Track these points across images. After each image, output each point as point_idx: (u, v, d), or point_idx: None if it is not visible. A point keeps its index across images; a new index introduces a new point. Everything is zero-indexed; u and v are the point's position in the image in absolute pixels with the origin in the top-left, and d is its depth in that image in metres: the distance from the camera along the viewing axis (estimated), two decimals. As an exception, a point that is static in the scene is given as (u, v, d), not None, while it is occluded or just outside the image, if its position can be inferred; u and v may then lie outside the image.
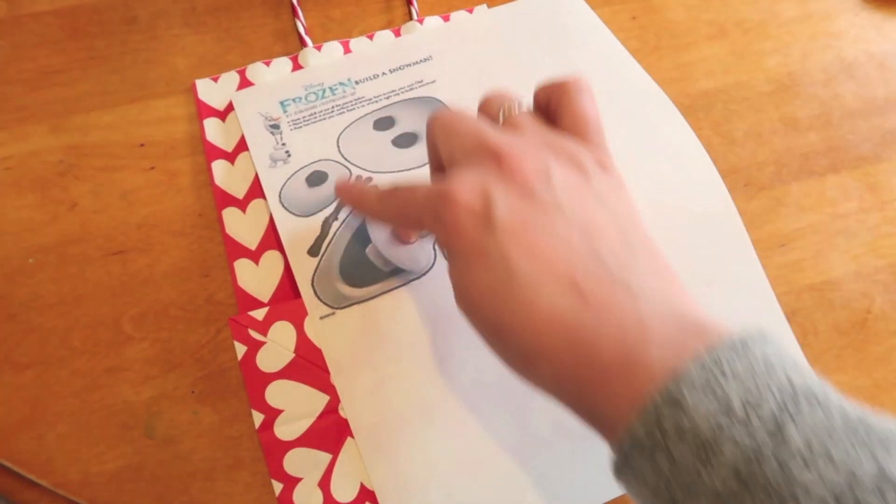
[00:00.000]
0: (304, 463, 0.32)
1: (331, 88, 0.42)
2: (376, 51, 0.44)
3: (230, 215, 0.38)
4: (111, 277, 0.37)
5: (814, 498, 0.18)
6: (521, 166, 0.25)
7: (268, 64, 0.42)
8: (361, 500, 0.32)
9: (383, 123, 0.41)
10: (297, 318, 0.35)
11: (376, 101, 0.42)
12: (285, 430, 0.33)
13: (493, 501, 0.32)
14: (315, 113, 0.41)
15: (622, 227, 0.25)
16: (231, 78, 0.42)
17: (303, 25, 0.44)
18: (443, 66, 0.43)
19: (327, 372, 0.34)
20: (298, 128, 0.41)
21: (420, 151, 0.40)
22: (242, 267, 0.37)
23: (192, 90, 0.42)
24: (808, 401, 0.20)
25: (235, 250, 0.37)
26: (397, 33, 0.44)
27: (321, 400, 0.33)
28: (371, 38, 0.44)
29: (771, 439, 0.19)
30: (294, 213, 0.38)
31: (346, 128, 0.41)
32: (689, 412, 0.20)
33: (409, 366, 0.34)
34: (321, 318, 0.35)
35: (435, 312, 0.35)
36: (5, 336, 0.35)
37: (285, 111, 0.41)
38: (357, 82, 0.42)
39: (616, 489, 0.31)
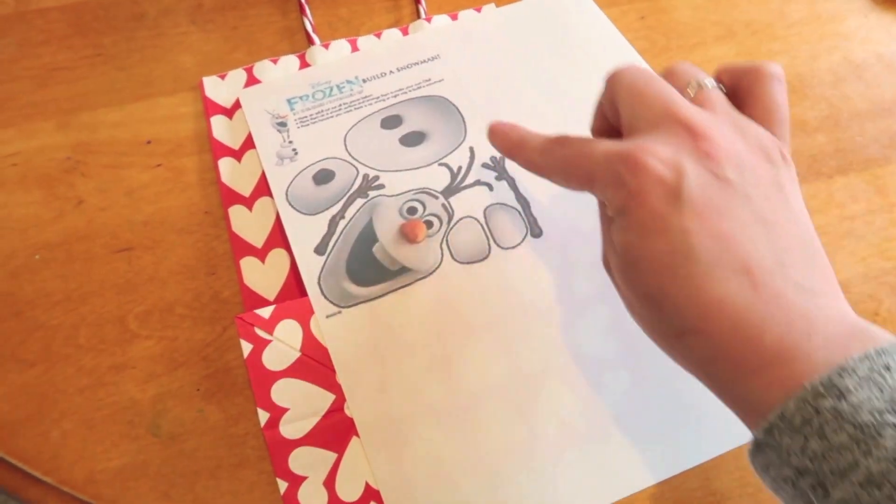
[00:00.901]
0: (309, 462, 0.32)
1: (338, 86, 0.42)
2: (384, 49, 0.44)
3: (236, 213, 0.38)
4: (117, 275, 0.37)
5: None
6: (716, 147, 0.25)
7: (275, 62, 0.42)
8: (366, 500, 0.32)
9: (391, 122, 0.41)
10: (304, 316, 0.35)
11: (383, 100, 0.42)
12: (290, 428, 0.33)
13: (498, 502, 0.31)
14: (322, 111, 0.41)
15: (799, 227, 0.25)
16: (238, 75, 0.42)
17: (310, 23, 0.44)
18: (450, 65, 0.43)
19: (333, 371, 0.34)
20: (306, 126, 0.41)
21: (428, 150, 0.40)
22: (249, 265, 0.36)
23: (199, 88, 0.42)
24: None
25: (242, 248, 0.37)
26: (405, 32, 0.44)
27: (327, 399, 0.33)
28: (379, 36, 0.44)
29: None
30: (301, 212, 0.38)
31: (353, 126, 0.41)
32: (851, 399, 0.21)
33: (416, 365, 0.34)
34: (327, 316, 0.35)
35: (442, 311, 0.35)
36: (11, 333, 0.35)
37: (292, 109, 0.41)
38: (364, 80, 0.42)
39: (621, 490, 0.31)
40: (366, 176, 0.39)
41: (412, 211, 0.37)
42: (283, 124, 0.40)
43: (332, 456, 0.32)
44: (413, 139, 0.40)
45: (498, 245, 0.37)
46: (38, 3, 0.44)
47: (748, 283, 0.23)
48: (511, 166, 0.39)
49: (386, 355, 0.34)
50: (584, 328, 0.35)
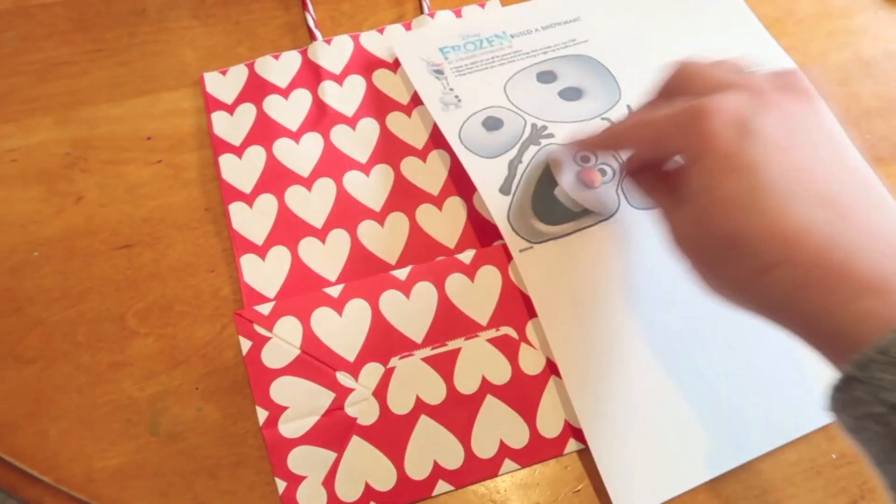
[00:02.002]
0: (308, 461, 0.32)
1: (487, 40, 0.43)
2: (523, 10, 0.45)
3: (237, 210, 0.37)
4: (116, 271, 0.36)
5: None
6: (779, 102, 0.26)
7: (277, 57, 0.42)
8: (366, 500, 0.31)
9: (546, 77, 0.42)
10: (304, 313, 0.34)
11: (534, 55, 0.43)
12: (290, 427, 0.32)
13: (688, 435, 0.33)
14: (476, 62, 0.43)
15: (849, 165, 0.26)
16: (239, 71, 0.41)
17: (312, 19, 0.44)
18: (593, 27, 0.45)
19: (333, 368, 0.33)
20: (462, 75, 0.42)
21: (587, 106, 0.41)
22: (249, 262, 0.36)
23: (200, 83, 0.41)
24: None
25: (242, 245, 0.37)
26: (408, 27, 0.44)
27: (327, 397, 0.33)
28: (381, 31, 0.44)
29: None
30: (478, 154, 0.39)
31: (510, 78, 0.42)
32: None
33: (605, 299, 0.35)
34: (520, 251, 0.36)
35: (625, 251, 0.37)
36: (10, 330, 0.35)
37: (447, 58, 0.42)
38: (513, 36, 0.44)
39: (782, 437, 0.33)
40: (534, 125, 0.40)
41: (585, 160, 0.38)
42: (440, 72, 0.42)
43: (332, 455, 0.32)
44: (571, 94, 0.42)
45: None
46: (39, -3, 0.44)
47: (833, 210, 0.24)
48: None
49: (578, 290, 0.35)
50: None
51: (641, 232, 0.37)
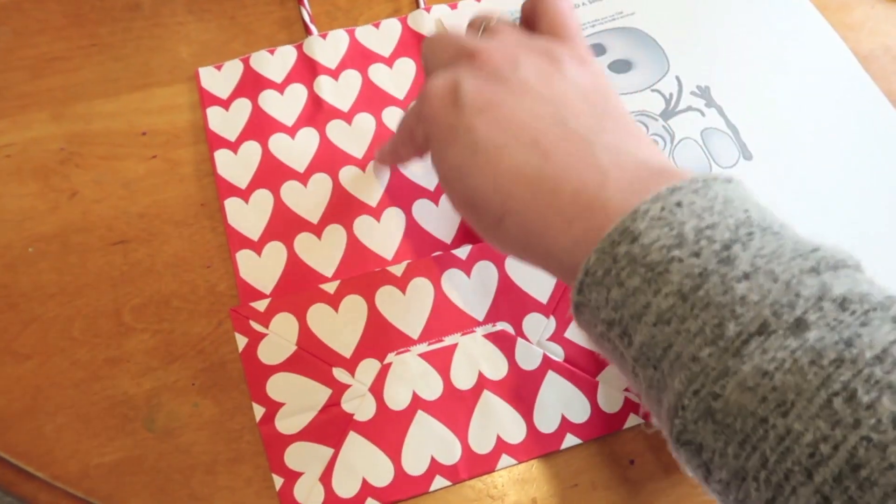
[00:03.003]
0: (305, 457, 0.32)
1: None
2: None
3: (232, 205, 0.37)
4: (112, 267, 0.36)
5: (750, 308, 0.19)
6: (490, 57, 0.27)
7: (272, 52, 0.42)
8: (363, 496, 0.31)
9: (595, 50, 0.43)
10: (300, 309, 0.34)
11: (583, 29, 0.44)
12: (287, 423, 0.32)
13: None
14: None
15: (592, 100, 0.26)
16: (234, 66, 0.41)
17: (308, 13, 0.43)
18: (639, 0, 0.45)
19: (329, 364, 0.33)
20: None
21: (636, 78, 0.43)
22: (244, 258, 0.36)
23: (196, 78, 0.41)
24: (762, 230, 0.21)
25: (237, 241, 0.36)
26: (404, 21, 0.44)
27: (324, 393, 0.33)
28: (377, 26, 0.43)
29: (717, 261, 0.20)
30: None
31: None
32: (642, 241, 0.21)
33: None
34: None
35: None
36: (6, 326, 0.35)
37: None
38: None
39: None
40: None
41: None
42: None
43: (329, 451, 0.32)
44: (620, 66, 0.43)
45: (717, 164, 0.40)
46: (33, -8, 0.44)
47: (538, 152, 0.24)
48: (718, 94, 0.42)
49: None
50: None
51: None
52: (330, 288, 0.35)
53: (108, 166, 0.39)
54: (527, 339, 0.35)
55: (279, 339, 0.34)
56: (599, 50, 0.43)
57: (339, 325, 0.34)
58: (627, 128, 0.26)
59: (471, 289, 0.36)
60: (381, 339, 0.34)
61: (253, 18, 0.44)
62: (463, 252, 0.36)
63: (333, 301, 0.35)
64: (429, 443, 0.33)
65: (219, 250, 0.37)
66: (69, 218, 0.37)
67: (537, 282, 0.36)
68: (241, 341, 0.34)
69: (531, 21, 0.30)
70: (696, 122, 0.41)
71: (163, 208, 0.38)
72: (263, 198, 0.38)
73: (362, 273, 0.36)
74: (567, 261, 0.24)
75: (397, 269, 0.36)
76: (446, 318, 0.35)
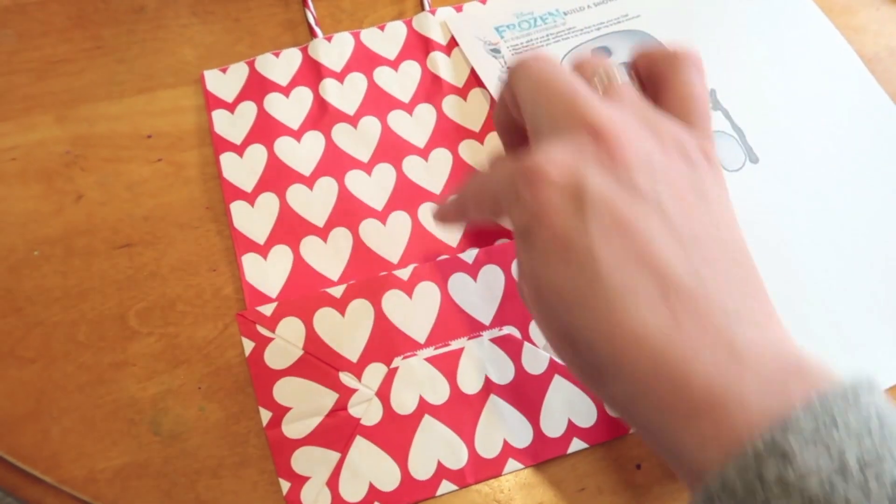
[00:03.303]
0: (312, 461, 0.32)
1: (541, 17, 0.44)
2: None
3: (238, 209, 0.37)
4: (117, 271, 0.36)
5: None
6: (622, 148, 0.22)
7: (277, 55, 0.42)
8: (370, 500, 0.31)
9: (601, 53, 0.43)
10: (307, 313, 0.34)
11: (587, 32, 0.44)
12: (293, 428, 0.32)
13: None
14: (532, 40, 0.43)
15: (724, 239, 0.22)
16: (240, 69, 0.41)
17: (313, 16, 0.43)
18: (644, 2, 0.45)
19: (336, 369, 0.33)
20: (519, 53, 0.42)
21: None
22: (250, 262, 0.36)
23: (201, 81, 0.41)
24: None
25: (243, 244, 0.36)
26: (409, 24, 0.44)
27: (330, 398, 0.33)
28: (382, 29, 0.43)
29: None
30: None
31: (565, 56, 0.43)
32: (797, 465, 0.18)
33: None
34: None
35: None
36: (10, 329, 0.34)
37: (502, 37, 0.43)
38: (566, 13, 0.44)
39: None
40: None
41: None
42: (497, 51, 0.42)
43: (336, 456, 0.32)
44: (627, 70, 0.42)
45: (724, 167, 0.40)
46: (36, -6, 0.44)
47: (669, 311, 0.20)
48: (724, 98, 0.42)
49: None
50: (794, 244, 0.38)
51: None
52: (336, 292, 0.35)
53: (113, 169, 0.39)
54: (533, 344, 0.35)
55: (286, 343, 0.34)
56: (606, 53, 0.43)
57: (346, 330, 0.34)
58: (757, 287, 0.22)
59: (477, 293, 0.35)
60: (387, 343, 0.34)
61: (257, 20, 0.44)
62: (469, 256, 0.36)
63: (340, 305, 0.35)
64: (435, 447, 0.32)
65: (224, 254, 0.37)
66: (74, 221, 0.37)
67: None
68: (248, 346, 0.34)
69: (648, 82, 0.26)
70: None
71: (168, 211, 0.38)
72: (269, 201, 0.38)
73: (369, 277, 0.35)
74: (686, 457, 0.20)
75: (404, 273, 0.35)
76: (453, 323, 0.35)
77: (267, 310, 0.34)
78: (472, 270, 0.36)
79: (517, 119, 0.26)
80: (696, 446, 0.20)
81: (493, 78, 0.42)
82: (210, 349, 0.34)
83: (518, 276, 0.25)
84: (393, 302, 0.35)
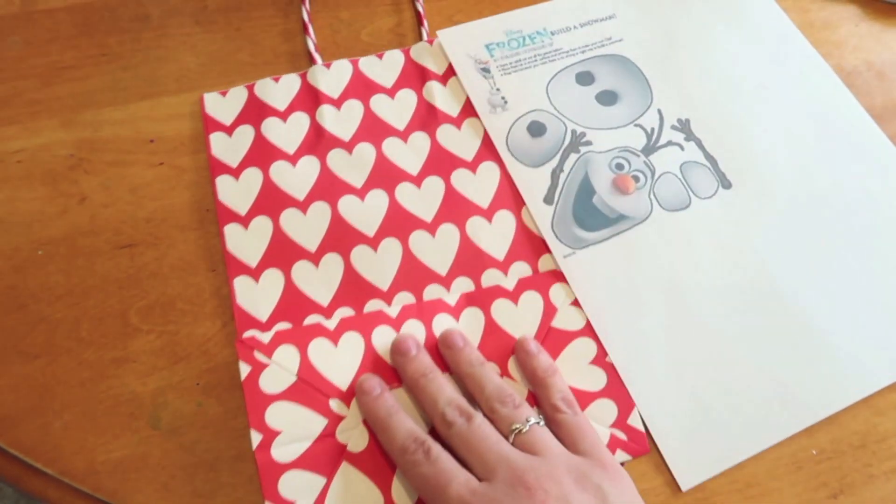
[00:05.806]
0: (298, 485, 0.32)
1: (530, 37, 0.45)
2: (563, 4, 0.47)
3: (232, 231, 0.38)
4: (119, 270, 0.37)
5: None
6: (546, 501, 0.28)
7: (277, 80, 0.42)
8: None
9: (584, 78, 0.45)
10: (302, 341, 0.35)
11: (573, 55, 0.45)
12: (282, 451, 0.33)
13: (732, 404, 0.35)
14: (520, 60, 0.44)
15: None
16: (239, 93, 0.42)
17: (313, 42, 0.44)
18: (627, 25, 0.47)
19: (327, 395, 0.34)
20: (508, 74, 0.44)
21: (622, 111, 0.44)
22: (242, 285, 0.36)
23: (200, 103, 0.42)
24: None
25: (235, 267, 0.37)
26: (407, 53, 0.44)
27: (319, 423, 0.33)
28: (381, 56, 0.44)
29: None
30: (524, 164, 0.41)
31: (551, 79, 0.44)
32: None
33: (649, 294, 0.38)
34: (564, 257, 0.39)
35: (660, 250, 0.39)
36: (14, 326, 0.35)
37: (492, 55, 0.44)
38: (553, 33, 0.46)
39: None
40: (574, 132, 0.43)
41: (620, 167, 0.42)
42: (486, 70, 0.43)
43: (322, 480, 0.32)
44: (607, 98, 0.44)
45: (696, 196, 0.41)
46: (44, 3, 0.45)
47: None
48: (697, 128, 0.43)
49: (621, 287, 0.38)
50: (776, 261, 0.39)
51: (672, 232, 0.40)
52: (330, 325, 0.36)
53: (116, 172, 0.40)
54: (512, 379, 0.35)
55: (280, 369, 0.34)
56: (589, 78, 0.44)
57: (338, 359, 0.35)
58: None
59: (462, 329, 0.36)
60: (376, 374, 0.35)
61: (258, 30, 0.45)
62: (452, 299, 0.37)
63: (333, 336, 0.35)
64: None
65: (223, 255, 0.38)
66: (77, 222, 0.38)
67: (521, 327, 0.37)
68: (245, 369, 0.34)
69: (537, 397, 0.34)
70: (675, 157, 0.42)
71: (169, 213, 0.39)
72: (263, 224, 0.38)
73: (360, 314, 0.36)
74: None
75: (392, 311, 0.36)
76: (437, 357, 0.35)
77: (265, 337, 0.35)
78: (455, 312, 0.37)
79: None
80: None
81: (482, 100, 0.43)
82: (209, 346, 0.35)
83: None
84: (382, 336, 0.36)
